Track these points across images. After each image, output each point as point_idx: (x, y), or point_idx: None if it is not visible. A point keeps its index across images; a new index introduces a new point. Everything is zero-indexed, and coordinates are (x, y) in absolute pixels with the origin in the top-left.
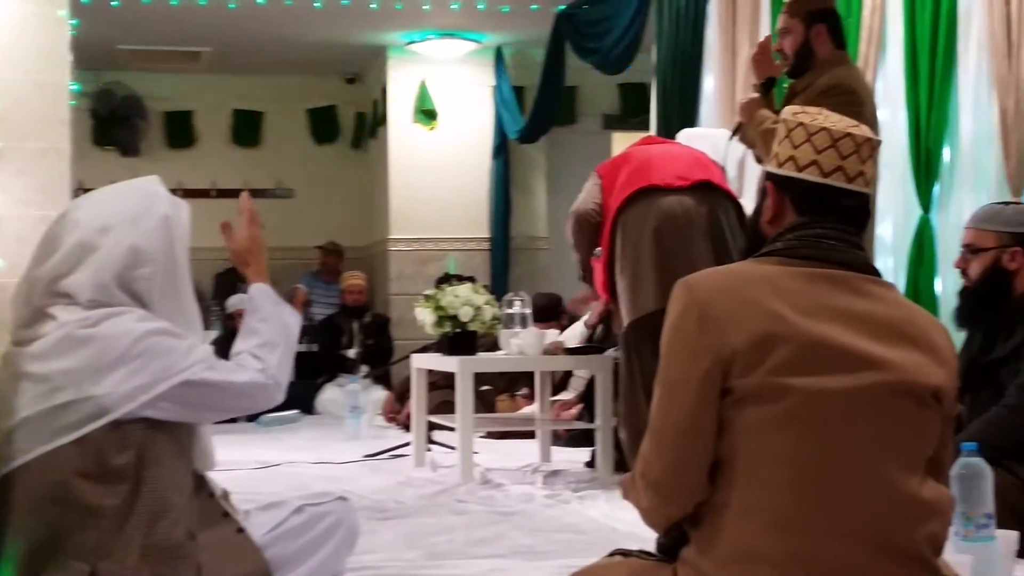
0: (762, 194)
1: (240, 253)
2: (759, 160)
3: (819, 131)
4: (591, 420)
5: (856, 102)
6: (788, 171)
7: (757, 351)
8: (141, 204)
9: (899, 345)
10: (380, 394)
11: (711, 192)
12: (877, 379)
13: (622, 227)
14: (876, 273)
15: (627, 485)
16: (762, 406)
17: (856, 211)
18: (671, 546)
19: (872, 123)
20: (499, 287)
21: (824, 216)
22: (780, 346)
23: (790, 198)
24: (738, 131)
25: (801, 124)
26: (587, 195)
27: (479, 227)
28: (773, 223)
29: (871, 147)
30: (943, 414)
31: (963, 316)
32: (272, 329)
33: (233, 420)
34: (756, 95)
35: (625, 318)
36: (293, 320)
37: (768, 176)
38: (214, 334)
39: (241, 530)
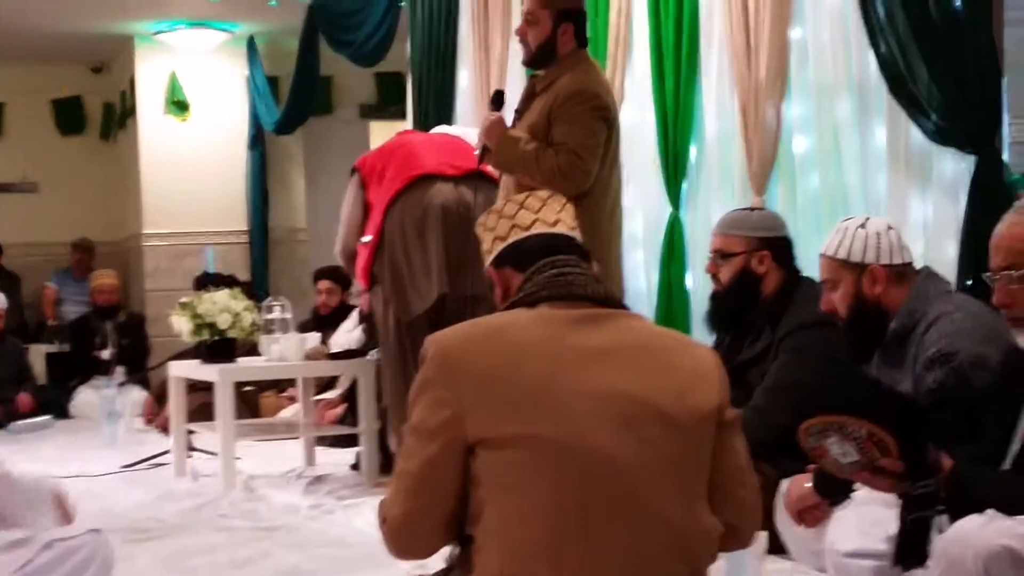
0: (490, 286)
1: None
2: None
3: (506, 203)
4: (355, 421)
5: (601, 106)
6: (498, 249)
7: (500, 402)
8: None
9: (645, 374)
10: (139, 395)
11: (482, 181)
12: (625, 410)
13: (398, 215)
14: (621, 306)
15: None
16: (511, 455)
17: (569, 247)
18: None
19: (613, 123)
20: (259, 280)
21: (548, 256)
22: (524, 394)
23: (511, 266)
24: (485, 156)
25: (493, 211)
26: (349, 226)
27: (237, 220)
28: (509, 298)
29: (559, 200)
30: (712, 436)
31: (715, 320)
32: None
33: None
34: (496, 114)
35: (403, 310)
36: None
37: (488, 267)
38: None
39: None
